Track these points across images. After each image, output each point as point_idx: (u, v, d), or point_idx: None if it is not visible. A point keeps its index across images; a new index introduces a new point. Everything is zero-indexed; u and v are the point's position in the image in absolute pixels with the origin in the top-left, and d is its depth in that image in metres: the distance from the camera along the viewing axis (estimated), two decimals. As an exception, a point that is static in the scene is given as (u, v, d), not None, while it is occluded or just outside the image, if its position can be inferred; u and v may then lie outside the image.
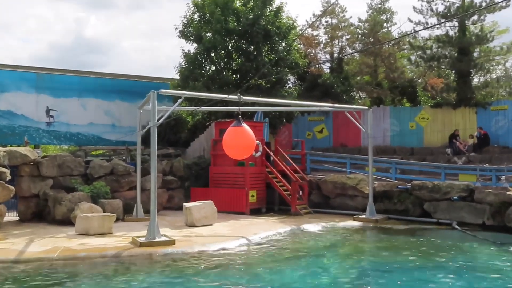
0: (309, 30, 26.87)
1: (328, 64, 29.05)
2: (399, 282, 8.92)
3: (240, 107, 11.95)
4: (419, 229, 14.86)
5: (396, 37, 27.04)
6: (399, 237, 13.54)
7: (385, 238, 13.49)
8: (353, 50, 27.32)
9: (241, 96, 12.16)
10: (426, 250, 11.79)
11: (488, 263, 10.66)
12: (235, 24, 21.20)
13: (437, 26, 23.86)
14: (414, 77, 27.61)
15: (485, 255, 11.42)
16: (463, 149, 20.92)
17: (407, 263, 10.48)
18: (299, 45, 25.97)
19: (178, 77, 22.61)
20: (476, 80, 26.39)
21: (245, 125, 10.87)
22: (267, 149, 18.88)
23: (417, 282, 9.03)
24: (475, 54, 23.98)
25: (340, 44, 28.31)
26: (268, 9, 21.86)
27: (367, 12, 28.01)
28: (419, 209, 16.19)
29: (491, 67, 25.54)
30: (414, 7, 24.61)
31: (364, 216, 16.29)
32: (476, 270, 9.99)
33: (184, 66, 22.23)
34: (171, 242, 11.73)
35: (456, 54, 23.55)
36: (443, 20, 23.38)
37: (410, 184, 16.69)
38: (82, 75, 23.55)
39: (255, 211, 17.67)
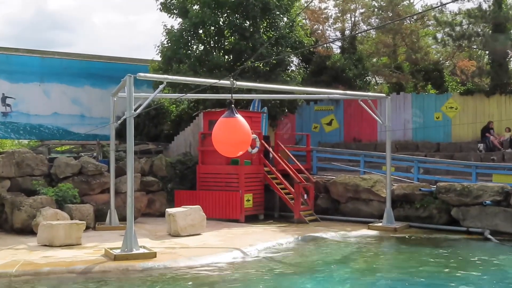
0: (316, 2, 26.89)
1: (339, 43, 29.08)
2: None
3: (233, 94, 11.97)
4: (446, 239, 14.96)
5: (420, 11, 27.06)
6: (421, 249, 13.62)
7: (405, 250, 13.57)
8: (369, 27, 27.33)
9: (234, 81, 12.18)
10: (453, 264, 11.87)
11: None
12: (228, -6, 21.20)
13: (468, -2, 23.93)
14: (441, 58, 27.65)
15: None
16: (498, 145, 21.00)
17: (431, 280, 10.56)
18: (304, 21, 25.97)
19: (160, 59, 22.59)
20: (514, 62, 26.42)
21: (239, 116, 10.88)
22: (266, 145, 18.93)
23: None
24: (513, 32, 24.02)
25: (353, 19, 28.34)
26: (267, -23, 21.86)
27: (385, -19, 28.04)
28: (445, 216, 16.28)
29: (532, 47, 25.61)
30: (440, -24, 24.68)
31: (380, 224, 16.38)
32: (513, 288, 10.09)
33: (167, 45, 22.21)
34: (152, 255, 11.77)
35: (490, 31, 23.60)
36: (475, -9, 23.43)
37: (435, 186, 16.77)
38: (45, 56, 23.48)
39: (252, 218, 17.73)
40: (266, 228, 16.32)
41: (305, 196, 17.86)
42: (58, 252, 12.21)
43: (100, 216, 16.26)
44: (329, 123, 25.51)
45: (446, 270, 11.40)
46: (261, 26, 21.95)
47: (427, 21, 27.29)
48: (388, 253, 13.81)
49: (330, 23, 27.84)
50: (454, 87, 26.16)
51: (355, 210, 17.89)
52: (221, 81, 13.37)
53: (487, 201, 15.35)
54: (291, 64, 25.03)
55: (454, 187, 16.12)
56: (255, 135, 17.51)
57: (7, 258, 11.49)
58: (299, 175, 18.40)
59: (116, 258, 11.50)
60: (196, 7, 21.88)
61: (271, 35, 21.88)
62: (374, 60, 28.35)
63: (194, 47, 22.38)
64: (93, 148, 21.65)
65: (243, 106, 21.30)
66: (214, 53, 21.57)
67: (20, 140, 23.37)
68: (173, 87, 21.34)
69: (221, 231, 15.50)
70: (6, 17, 69.05)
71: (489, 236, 14.78)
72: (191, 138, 21.22)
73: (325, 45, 25.89)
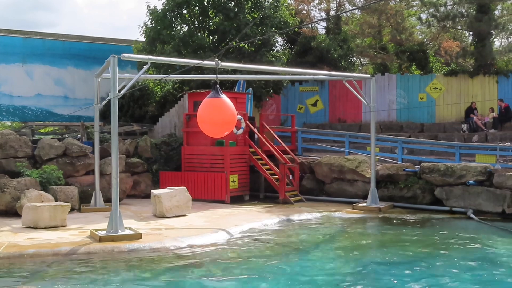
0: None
1: (324, 24, 29.04)
2: (395, 281, 9.07)
3: (218, 75, 11.92)
4: (429, 219, 15.11)
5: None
6: (405, 229, 13.76)
7: (389, 230, 13.69)
8: (353, 7, 27.29)
9: (219, 61, 12.12)
10: (436, 244, 12.01)
11: (509, 257, 10.90)
12: (212, -26, 21.02)
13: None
14: (425, 39, 27.72)
15: (505, 249, 11.66)
16: (481, 125, 21.17)
17: (414, 259, 10.68)
18: (289, 1, 25.84)
19: (144, 39, 22.41)
20: (497, 43, 26.60)
21: (224, 96, 10.86)
22: (251, 126, 18.92)
23: (423, 280, 9.21)
24: (496, 13, 24.10)
25: (337, -1, 28.26)
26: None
27: (370, -39, 27.95)
28: (429, 196, 16.44)
29: (516, 28, 25.72)
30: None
31: (365, 204, 16.49)
32: (495, 266, 10.22)
33: (151, 25, 22.02)
34: (137, 236, 11.78)
35: (474, 12, 23.66)
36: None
37: (419, 167, 16.89)
38: (27, 37, 23.19)
39: (237, 199, 17.78)
40: (251, 209, 16.37)
41: (290, 176, 17.91)
42: (43, 234, 12.16)
43: (85, 198, 16.22)
44: (314, 104, 25.54)
45: (429, 249, 11.53)
46: (246, 6, 21.81)
47: (412, 2, 27.33)
48: (372, 233, 13.92)
49: (315, 4, 27.79)
50: (438, 68, 26.26)
51: (340, 191, 17.99)
52: (206, 62, 13.29)
53: (470, 181, 15.51)
54: (276, 45, 24.98)
55: (438, 167, 16.25)
56: (240, 116, 17.50)
57: (-9, 240, 11.43)
58: (284, 156, 18.45)
59: (101, 239, 11.49)
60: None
61: (255, 15, 21.76)
62: (359, 40, 28.34)
63: (178, 27, 22.21)
64: (77, 130, 21.51)
65: (228, 87, 21.23)
66: (199, 34, 21.42)
67: (3, 121, 23.15)
68: (158, 68, 21.21)
69: (206, 212, 15.53)
70: (-13, -3, 67.91)
71: (472, 216, 14.95)
72: (176, 119, 21.14)
73: (310, 26, 25.81)
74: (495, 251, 11.55)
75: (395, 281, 9.11)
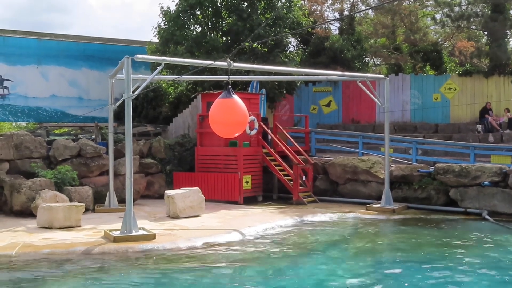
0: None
1: (337, 24, 28.99)
2: (406, 284, 9.00)
3: (230, 76, 11.93)
4: (444, 220, 15.01)
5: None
6: (419, 230, 13.68)
7: (403, 231, 13.62)
8: (367, 7, 27.22)
9: (231, 62, 12.14)
10: (450, 245, 11.92)
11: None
12: (225, -25, 21.06)
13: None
14: (439, 39, 27.59)
15: (520, 250, 11.58)
16: (496, 126, 21.01)
17: (428, 261, 10.61)
18: (302, 1, 25.82)
19: (157, 40, 22.51)
20: (513, 43, 26.33)
21: (235, 97, 10.87)
22: (264, 126, 18.91)
23: (438, 282, 9.14)
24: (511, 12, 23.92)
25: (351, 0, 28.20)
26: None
27: (384, -39, 27.85)
28: (443, 197, 16.33)
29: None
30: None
31: (379, 205, 16.42)
32: (510, 269, 10.13)
33: (164, 26, 22.11)
34: (151, 237, 11.82)
35: (489, 11, 23.49)
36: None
37: (433, 167, 16.79)
38: (42, 38, 23.38)
39: (250, 200, 17.78)
40: (265, 209, 16.37)
41: (304, 177, 17.88)
42: (57, 234, 12.24)
43: (99, 198, 16.30)
44: (328, 105, 25.49)
45: (444, 250, 11.44)
46: (259, 7, 21.83)
47: (426, 2, 27.21)
48: (386, 234, 13.86)
49: (328, 4, 27.77)
50: (452, 68, 26.11)
51: (353, 192, 17.93)
52: (218, 62, 13.31)
53: (485, 182, 15.38)
54: (289, 45, 24.98)
55: (452, 168, 16.13)
56: (253, 117, 17.51)
57: (6, 240, 11.52)
58: (297, 156, 18.42)
59: (115, 240, 11.54)
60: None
61: (269, 16, 21.76)
62: (373, 41, 28.27)
63: (191, 28, 22.27)
64: (91, 131, 21.64)
65: (241, 88, 21.25)
66: (212, 35, 21.46)
67: (18, 122, 23.36)
68: (171, 69, 21.29)
69: (219, 212, 15.55)
70: (2, 0, 68.52)
71: (487, 217, 14.83)
72: (190, 120, 21.19)
73: (323, 26, 25.77)
74: (511, 252, 11.45)
75: (407, 284, 9.04)
